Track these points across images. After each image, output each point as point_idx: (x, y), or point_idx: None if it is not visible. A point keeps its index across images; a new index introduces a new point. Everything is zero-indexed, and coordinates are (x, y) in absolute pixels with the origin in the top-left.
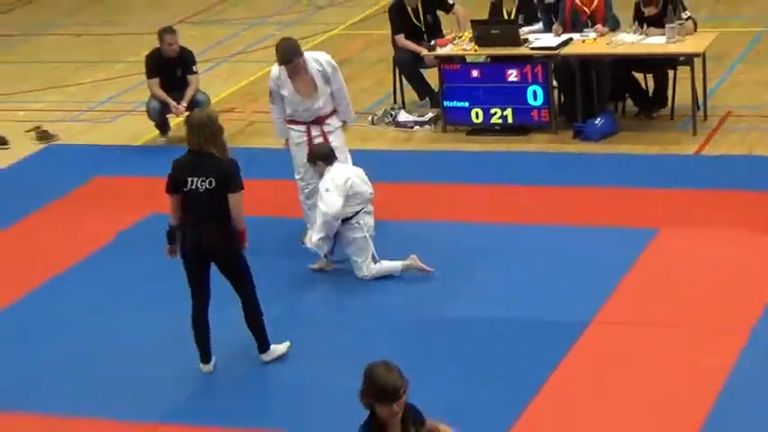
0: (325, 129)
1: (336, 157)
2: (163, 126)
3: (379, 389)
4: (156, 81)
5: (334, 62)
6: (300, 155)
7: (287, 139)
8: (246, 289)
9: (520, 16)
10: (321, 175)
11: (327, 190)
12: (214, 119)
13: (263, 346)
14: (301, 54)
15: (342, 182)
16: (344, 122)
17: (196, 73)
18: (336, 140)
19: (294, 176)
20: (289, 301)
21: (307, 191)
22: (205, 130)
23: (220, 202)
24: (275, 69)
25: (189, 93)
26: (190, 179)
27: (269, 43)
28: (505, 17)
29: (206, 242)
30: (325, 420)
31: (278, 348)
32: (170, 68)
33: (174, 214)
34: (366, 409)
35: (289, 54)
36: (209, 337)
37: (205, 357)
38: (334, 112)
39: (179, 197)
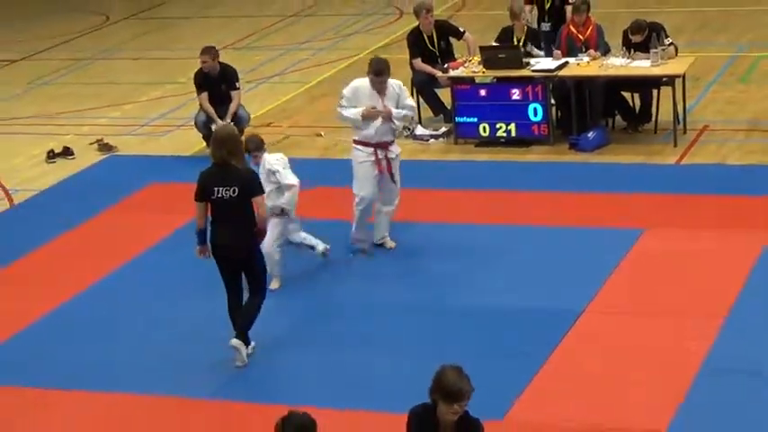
0: (389, 155)
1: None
2: (209, 138)
3: (446, 389)
4: (204, 96)
5: (404, 88)
6: (363, 171)
7: (366, 108)
8: (259, 290)
9: (528, 43)
10: (258, 164)
11: (285, 168)
12: (234, 134)
13: (245, 338)
14: (389, 74)
15: (282, 159)
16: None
17: (238, 89)
18: (394, 166)
19: (353, 188)
20: (316, 291)
21: (361, 207)
22: (227, 144)
23: (244, 208)
24: (358, 81)
25: (231, 107)
26: (216, 189)
27: (302, 66)
28: (515, 43)
29: (232, 244)
30: (348, 397)
31: (246, 350)
32: (214, 84)
33: (200, 220)
34: (431, 403)
35: (382, 67)
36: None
37: (244, 343)
38: (393, 141)
39: (205, 205)
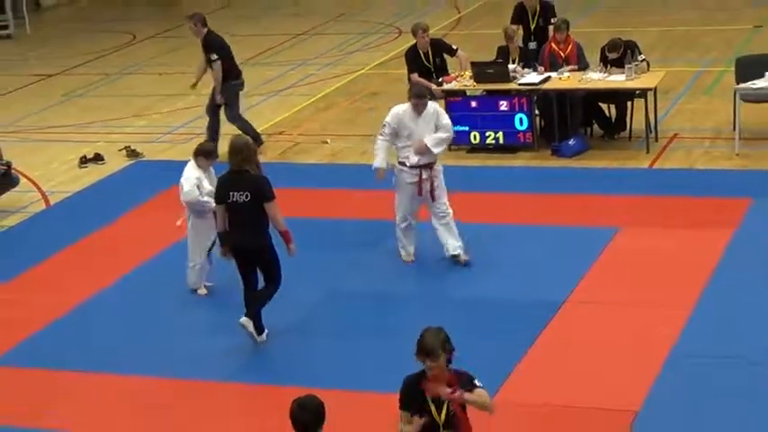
0: (433, 173)
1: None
2: (212, 127)
3: (421, 347)
4: (202, 59)
5: (440, 109)
6: (408, 193)
7: (380, 169)
8: (272, 282)
9: (521, 63)
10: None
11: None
12: (249, 144)
13: (255, 319)
14: (426, 94)
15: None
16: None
17: (215, 61)
18: (437, 180)
19: (396, 208)
20: (324, 283)
21: (404, 225)
22: (243, 152)
23: (256, 210)
24: (397, 107)
25: (214, 83)
26: (231, 193)
27: (310, 80)
28: (510, 62)
29: (245, 242)
30: (353, 379)
31: (260, 337)
32: (204, 52)
33: (220, 222)
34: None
35: (423, 91)
36: (260, 314)
37: (258, 330)
38: (435, 160)
39: (224, 208)
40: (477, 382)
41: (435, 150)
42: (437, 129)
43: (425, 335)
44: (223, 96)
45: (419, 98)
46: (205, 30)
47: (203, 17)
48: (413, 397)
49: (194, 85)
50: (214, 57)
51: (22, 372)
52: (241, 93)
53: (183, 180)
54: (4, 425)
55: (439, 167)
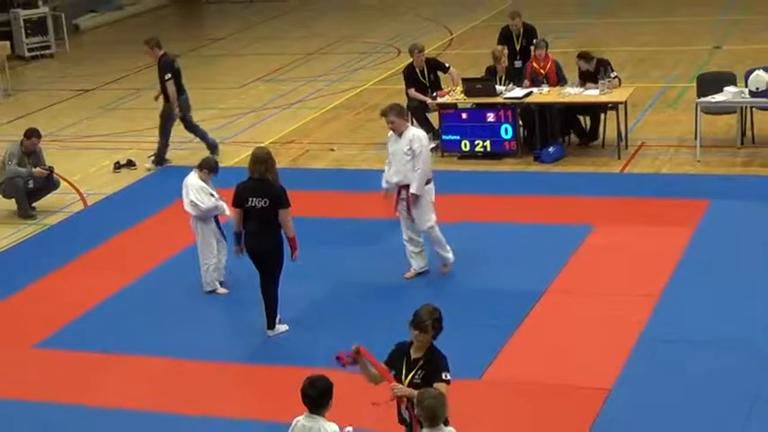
0: (409, 196)
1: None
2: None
3: (414, 318)
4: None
5: (424, 141)
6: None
7: (386, 192)
8: (271, 283)
9: (508, 80)
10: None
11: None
12: (271, 155)
13: (271, 324)
14: (395, 116)
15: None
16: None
17: (168, 80)
18: (415, 205)
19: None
20: (331, 277)
21: (404, 238)
22: (266, 162)
23: (271, 216)
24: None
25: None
26: (250, 199)
27: (319, 95)
28: (497, 79)
29: (257, 244)
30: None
31: (280, 327)
32: (159, 72)
33: (237, 223)
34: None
35: (384, 110)
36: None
37: (271, 324)
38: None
39: (241, 211)
40: (444, 375)
41: (419, 190)
42: (413, 154)
43: (421, 309)
44: (176, 111)
45: (381, 115)
46: (161, 52)
47: (158, 41)
48: (396, 357)
49: (156, 98)
50: (168, 76)
51: (59, 353)
52: (252, 107)
53: (193, 193)
54: (48, 400)
55: (418, 194)
